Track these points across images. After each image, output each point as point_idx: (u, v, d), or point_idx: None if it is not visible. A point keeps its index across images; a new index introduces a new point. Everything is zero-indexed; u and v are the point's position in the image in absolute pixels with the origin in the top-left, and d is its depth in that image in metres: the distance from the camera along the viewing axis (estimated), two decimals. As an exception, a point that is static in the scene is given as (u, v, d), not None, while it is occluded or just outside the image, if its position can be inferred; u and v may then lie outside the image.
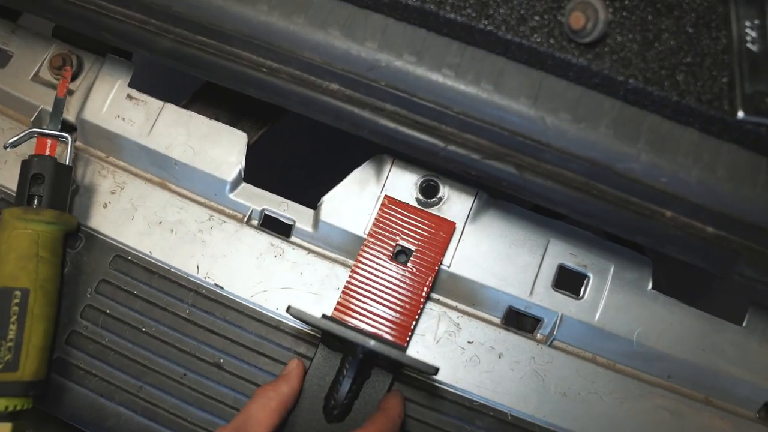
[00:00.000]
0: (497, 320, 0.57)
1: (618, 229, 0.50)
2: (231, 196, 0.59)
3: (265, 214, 0.59)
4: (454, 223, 0.55)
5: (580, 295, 0.56)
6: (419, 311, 0.54)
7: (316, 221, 0.58)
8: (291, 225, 0.58)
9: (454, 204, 0.57)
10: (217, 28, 0.51)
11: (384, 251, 0.54)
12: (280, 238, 0.58)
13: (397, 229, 0.55)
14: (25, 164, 0.55)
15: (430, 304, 0.57)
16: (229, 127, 0.60)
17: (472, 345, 0.56)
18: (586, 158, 0.47)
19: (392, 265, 0.54)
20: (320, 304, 0.56)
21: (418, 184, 0.57)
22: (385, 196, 0.56)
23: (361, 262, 0.54)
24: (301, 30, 0.50)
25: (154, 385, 0.54)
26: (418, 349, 0.55)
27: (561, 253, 0.57)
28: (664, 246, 0.49)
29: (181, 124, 0.60)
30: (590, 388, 0.56)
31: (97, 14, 0.53)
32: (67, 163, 0.56)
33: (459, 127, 0.49)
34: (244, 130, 0.60)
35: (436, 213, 0.56)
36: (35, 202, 0.54)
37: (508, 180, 0.49)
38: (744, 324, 0.56)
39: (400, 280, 0.54)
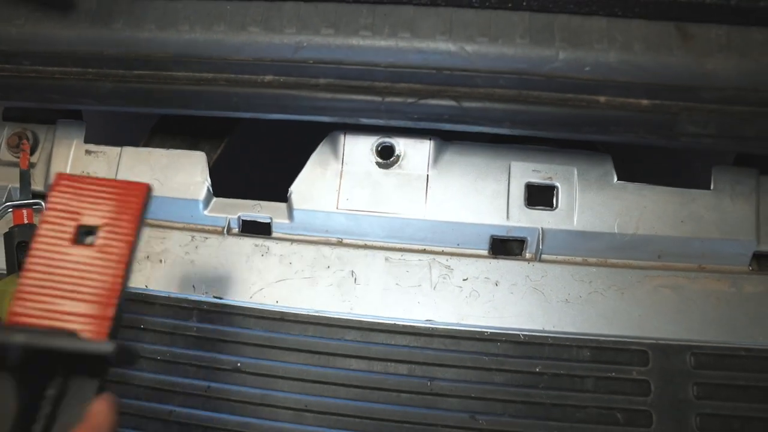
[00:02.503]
0: (485, 252, 0.60)
1: (563, 129, 0.52)
2: (206, 213, 0.61)
3: (243, 219, 0.61)
4: (147, 185, 0.46)
5: (554, 206, 0.59)
6: (120, 292, 0.43)
7: (290, 212, 0.60)
8: (269, 223, 0.61)
9: (413, 158, 0.60)
10: (148, 58, 0.54)
11: (62, 236, 0.44)
12: (262, 237, 0.61)
13: (77, 208, 0.45)
14: (8, 236, 0.57)
15: (418, 256, 0.59)
16: (187, 152, 0.63)
17: (467, 281, 0.58)
18: (512, 71, 0.50)
19: (75, 250, 0.44)
20: (316, 286, 0.58)
21: (374, 149, 0.60)
22: (57, 174, 0.46)
23: (34, 257, 0.43)
24: (224, 37, 0.53)
25: (183, 404, 0.56)
26: (419, 299, 0.57)
27: (524, 173, 0.59)
28: (610, 130, 0.51)
29: (142, 161, 0.62)
30: (589, 289, 0.57)
31: (38, 79, 0.56)
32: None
33: (390, 79, 0.52)
34: (204, 151, 0.63)
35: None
36: None
37: (449, 113, 0.52)
38: (712, 187, 0.59)
39: (89, 264, 0.43)
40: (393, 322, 0.57)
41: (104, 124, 0.77)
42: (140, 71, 0.55)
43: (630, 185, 0.59)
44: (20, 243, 0.57)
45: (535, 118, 0.51)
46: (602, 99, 0.50)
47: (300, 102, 0.53)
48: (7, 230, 0.58)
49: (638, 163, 0.66)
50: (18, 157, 0.65)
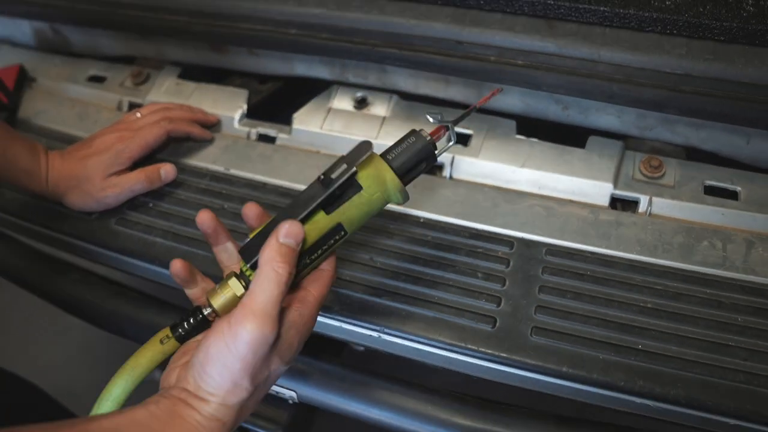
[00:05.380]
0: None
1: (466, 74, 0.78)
2: (237, 126, 0.91)
3: (259, 132, 0.90)
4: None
5: (467, 145, 0.82)
6: None
7: (291, 130, 0.88)
8: (275, 136, 0.89)
9: (378, 106, 0.87)
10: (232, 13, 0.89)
11: None
12: (270, 144, 0.88)
13: None
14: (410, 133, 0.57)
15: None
16: (237, 89, 0.94)
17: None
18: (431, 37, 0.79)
19: None
20: (298, 173, 0.83)
21: (354, 98, 0.88)
22: None
23: None
24: (272, 7, 0.87)
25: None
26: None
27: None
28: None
29: (208, 94, 0.95)
30: (483, 198, 0.77)
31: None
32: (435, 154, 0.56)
33: (362, 36, 0.82)
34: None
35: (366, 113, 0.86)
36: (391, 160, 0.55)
37: (393, 57, 0.79)
38: (585, 148, 0.79)
39: None
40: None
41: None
42: (228, 22, 0.89)
43: (524, 139, 0.81)
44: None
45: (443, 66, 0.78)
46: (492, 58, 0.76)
47: (309, 43, 0.83)
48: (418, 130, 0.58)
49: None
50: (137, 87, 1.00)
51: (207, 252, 0.75)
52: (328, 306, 0.68)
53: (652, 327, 0.63)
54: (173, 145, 0.88)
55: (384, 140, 0.83)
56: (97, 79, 1.03)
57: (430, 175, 0.82)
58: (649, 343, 0.62)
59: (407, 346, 0.68)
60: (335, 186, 0.51)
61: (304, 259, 0.53)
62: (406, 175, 0.55)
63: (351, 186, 0.53)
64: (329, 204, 0.53)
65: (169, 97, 0.96)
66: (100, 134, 0.83)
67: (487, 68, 0.75)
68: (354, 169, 0.51)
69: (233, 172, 0.85)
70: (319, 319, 0.70)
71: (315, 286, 0.55)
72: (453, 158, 0.81)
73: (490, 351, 0.64)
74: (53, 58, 1.08)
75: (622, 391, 0.61)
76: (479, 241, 0.73)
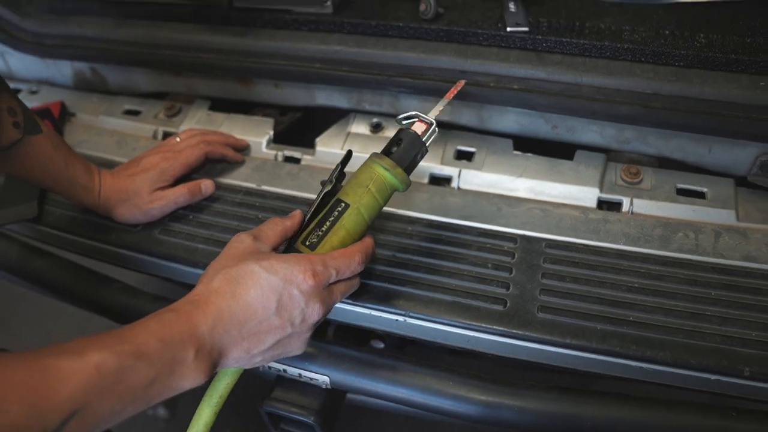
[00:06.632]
0: (424, 182, 0.94)
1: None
2: (265, 149, 1.02)
3: (285, 155, 1.01)
4: None
5: (471, 160, 0.94)
6: None
7: (314, 151, 0.99)
8: (300, 158, 1.00)
9: (390, 129, 0.99)
10: (264, 52, 1.01)
11: None
12: (296, 164, 0.99)
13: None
14: (399, 132, 0.72)
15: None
16: (263, 118, 1.06)
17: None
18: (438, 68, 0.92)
19: None
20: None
21: (370, 124, 1.01)
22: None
23: None
24: (300, 46, 1.00)
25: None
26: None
27: (456, 144, 0.96)
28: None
29: (237, 123, 1.06)
30: (490, 205, 0.89)
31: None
32: (425, 143, 0.71)
33: (379, 68, 0.95)
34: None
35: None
36: (391, 155, 0.70)
37: (406, 85, 0.92)
38: (573, 160, 0.92)
39: None
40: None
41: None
42: (257, 58, 1.01)
43: (520, 154, 0.94)
44: (398, 138, 0.81)
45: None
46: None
47: (333, 75, 0.96)
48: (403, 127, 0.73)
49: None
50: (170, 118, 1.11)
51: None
52: (358, 294, 0.78)
53: (640, 302, 0.74)
54: (209, 166, 0.99)
55: (398, 157, 0.95)
56: (132, 113, 1.14)
57: (441, 186, 0.93)
58: (638, 314, 0.73)
59: (430, 327, 0.77)
60: (338, 171, 0.72)
61: (301, 235, 0.70)
62: (408, 168, 0.71)
63: (337, 206, 0.69)
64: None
65: (202, 126, 1.07)
66: (146, 155, 0.93)
67: (488, 93, 0.88)
68: (349, 150, 0.76)
69: (264, 188, 0.96)
70: (350, 308, 0.80)
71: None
72: (460, 172, 0.92)
73: (503, 328, 0.74)
74: (90, 95, 1.19)
75: (619, 356, 0.71)
76: (487, 238, 0.84)
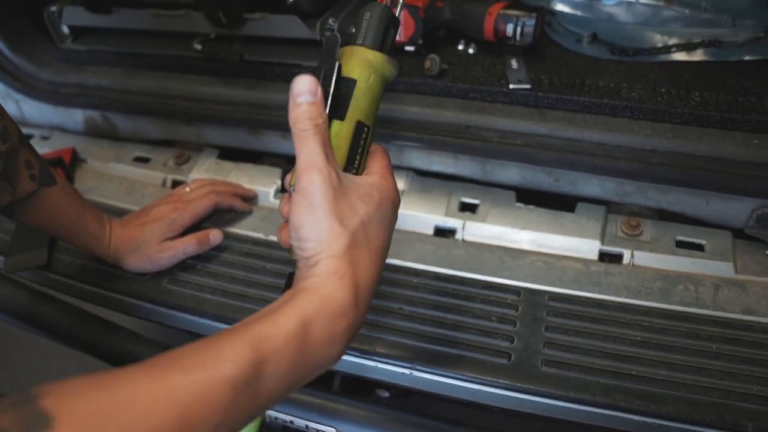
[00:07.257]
0: (428, 233, 0.96)
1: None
2: (273, 199, 1.04)
3: (292, 203, 1.03)
4: None
5: (475, 212, 0.96)
6: None
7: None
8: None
9: (396, 181, 1.01)
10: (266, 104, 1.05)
11: None
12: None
13: None
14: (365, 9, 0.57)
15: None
16: (271, 167, 1.09)
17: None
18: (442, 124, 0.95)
19: None
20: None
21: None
22: None
23: None
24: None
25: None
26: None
27: (459, 195, 0.99)
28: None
29: (245, 172, 1.09)
30: (493, 257, 0.91)
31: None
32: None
33: (385, 123, 0.98)
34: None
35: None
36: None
37: (412, 139, 0.95)
38: (575, 212, 0.94)
39: None
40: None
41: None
42: (266, 110, 1.05)
43: (523, 206, 0.96)
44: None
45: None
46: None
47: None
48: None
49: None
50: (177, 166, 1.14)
51: (256, 305, 0.86)
52: (365, 346, 0.79)
53: (643, 356, 0.75)
54: (217, 215, 1.01)
55: (404, 209, 0.97)
56: (142, 160, 1.16)
57: (445, 238, 0.95)
58: (641, 369, 0.74)
59: (435, 381, 0.78)
60: (332, 87, 0.53)
61: (350, 171, 0.56)
62: (383, 46, 0.57)
63: (346, 83, 0.55)
64: (337, 110, 0.55)
65: (210, 174, 1.10)
66: (156, 205, 0.95)
67: (491, 148, 0.91)
68: (338, 63, 0.54)
69: (272, 238, 0.97)
70: (356, 360, 0.81)
71: (374, 163, 0.58)
72: (464, 224, 0.95)
73: (507, 381, 0.75)
74: (101, 142, 1.22)
75: (622, 410, 0.72)
76: (491, 291, 0.86)
